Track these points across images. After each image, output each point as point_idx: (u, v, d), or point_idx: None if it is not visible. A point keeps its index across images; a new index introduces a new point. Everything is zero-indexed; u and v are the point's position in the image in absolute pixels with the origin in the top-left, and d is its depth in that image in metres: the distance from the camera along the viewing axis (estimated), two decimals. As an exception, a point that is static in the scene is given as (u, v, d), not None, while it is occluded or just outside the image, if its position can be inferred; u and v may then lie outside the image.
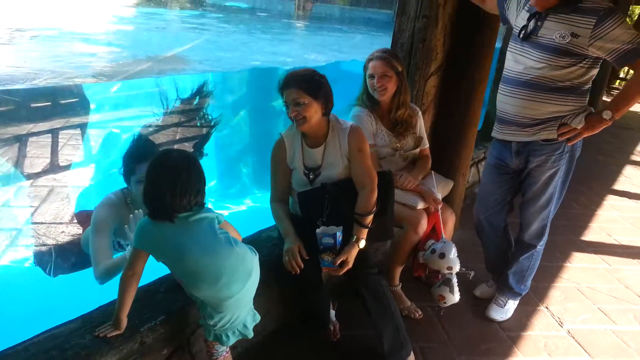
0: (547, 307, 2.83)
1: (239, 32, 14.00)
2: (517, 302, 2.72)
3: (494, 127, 2.47)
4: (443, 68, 3.00)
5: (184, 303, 1.87)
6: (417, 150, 2.66)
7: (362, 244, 2.06)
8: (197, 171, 1.63)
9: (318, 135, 2.16)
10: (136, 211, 1.94)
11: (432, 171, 2.61)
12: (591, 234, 3.92)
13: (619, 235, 3.93)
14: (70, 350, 1.57)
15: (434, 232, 2.51)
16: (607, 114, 2.14)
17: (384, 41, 3.40)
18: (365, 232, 2.07)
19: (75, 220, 3.03)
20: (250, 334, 1.81)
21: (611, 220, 4.25)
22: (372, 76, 2.45)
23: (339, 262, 2.01)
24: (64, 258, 2.84)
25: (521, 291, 2.68)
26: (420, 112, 2.67)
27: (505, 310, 2.68)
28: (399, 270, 2.60)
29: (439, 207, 2.47)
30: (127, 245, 2.06)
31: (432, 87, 2.99)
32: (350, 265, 2.03)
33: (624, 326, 2.72)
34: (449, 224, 2.57)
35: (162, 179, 1.58)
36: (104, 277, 1.95)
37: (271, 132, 6.47)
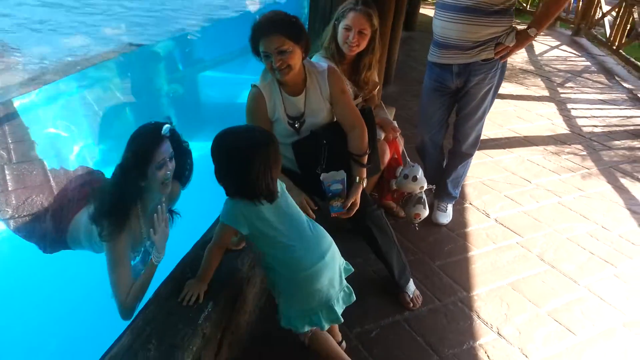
0: (470, 204, 3.29)
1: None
2: (452, 204, 3.11)
3: (432, 52, 2.64)
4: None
5: (220, 280, 1.77)
6: None
7: (365, 182, 2.13)
8: None
9: (297, 82, 2.07)
10: (159, 207, 1.71)
11: (381, 101, 2.72)
12: (467, 134, 4.51)
13: (484, 130, 4.60)
14: (146, 367, 1.41)
15: (393, 158, 2.69)
16: (532, 31, 2.45)
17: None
18: (364, 171, 2.13)
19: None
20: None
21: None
22: (348, 28, 2.28)
23: (349, 204, 2.06)
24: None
25: (457, 195, 3.07)
26: None
27: (448, 214, 3.05)
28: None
29: (398, 134, 2.62)
30: (139, 254, 1.84)
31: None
32: (358, 206, 2.09)
33: (528, 205, 3.32)
34: (401, 147, 2.75)
35: (263, 159, 1.58)
36: (133, 309, 1.72)
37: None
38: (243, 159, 1.57)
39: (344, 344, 2.02)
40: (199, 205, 1.91)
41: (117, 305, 1.73)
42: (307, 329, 1.74)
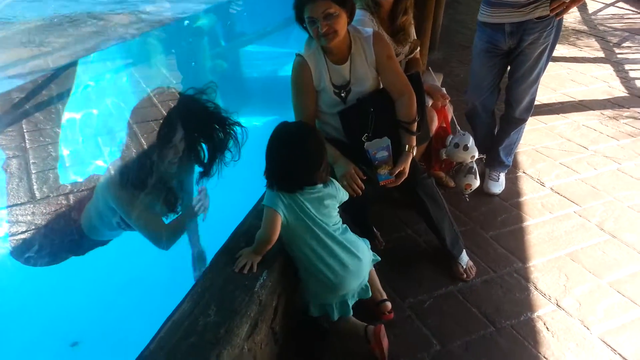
0: (524, 172, 3.16)
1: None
2: (505, 173, 2.99)
3: (482, 12, 2.51)
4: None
5: (274, 249, 1.77)
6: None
7: (415, 151, 2.07)
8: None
9: (342, 49, 2.01)
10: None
11: (429, 67, 2.62)
12: (517, 100, 4.32)
13: (537, 95, 4.39)
14: (207, 332, 1.42)
15: (441, 127, 2.59)
16: None
17: None
18: (414, 139, 2.07)
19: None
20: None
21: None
22: None
23: (396, 172, 2.01)
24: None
25: (509, 163, 2.95)
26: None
27: (500, 183, 2.94)
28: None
29: (447, 101, 2.52)
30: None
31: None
32: (407, 174, 2.04)
33: (585, 173, 3.16)
34: (450, 115, 2.65)
35: (295, 153, 1.68)
36: (171, 243, 1.89)
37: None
38: (283, 149, 1.68)
39: (388, 304, 2.02)
40: (252, 176, 1.93)
41: (153, 243, 1.92)
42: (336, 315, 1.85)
